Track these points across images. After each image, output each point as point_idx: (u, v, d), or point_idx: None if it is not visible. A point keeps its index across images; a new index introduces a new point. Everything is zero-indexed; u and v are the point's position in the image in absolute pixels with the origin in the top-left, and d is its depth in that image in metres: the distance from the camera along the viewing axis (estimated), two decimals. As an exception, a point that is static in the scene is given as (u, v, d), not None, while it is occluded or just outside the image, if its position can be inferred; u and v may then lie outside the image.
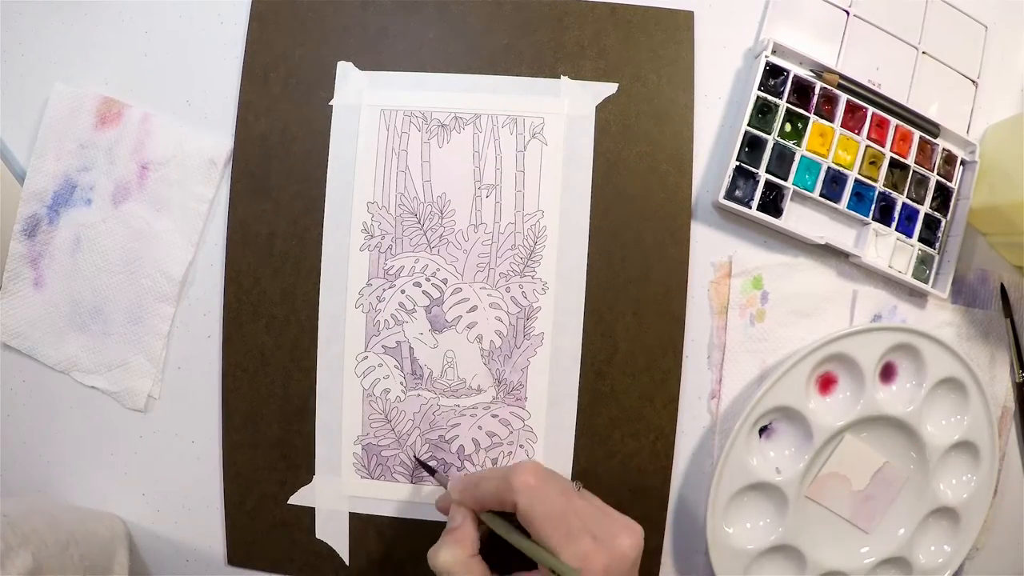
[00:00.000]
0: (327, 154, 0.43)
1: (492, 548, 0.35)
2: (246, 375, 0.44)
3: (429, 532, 0.43)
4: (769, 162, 0.42)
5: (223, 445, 0.44)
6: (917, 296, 0.45)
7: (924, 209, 0.44)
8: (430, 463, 0.43)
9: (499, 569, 0.34)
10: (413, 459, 0.43)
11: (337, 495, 0.43)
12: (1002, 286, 0.46)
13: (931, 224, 0.45)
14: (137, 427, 0.45)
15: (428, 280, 0.43)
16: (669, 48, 0.44)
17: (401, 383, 0.43)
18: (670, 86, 0.44)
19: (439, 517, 0.43)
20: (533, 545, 0.33)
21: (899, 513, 0.43)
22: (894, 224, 0.44)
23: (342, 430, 0.43)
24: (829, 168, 0.43)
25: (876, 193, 0.44)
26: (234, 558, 0.44)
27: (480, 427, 0.43)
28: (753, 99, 0.42)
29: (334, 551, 0.44)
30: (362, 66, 0.44)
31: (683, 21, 0.44)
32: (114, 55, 0.45)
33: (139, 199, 0.44)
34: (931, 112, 0.45)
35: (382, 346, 0.43)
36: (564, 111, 0.43)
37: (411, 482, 0.43)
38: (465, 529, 0.35)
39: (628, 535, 0.33)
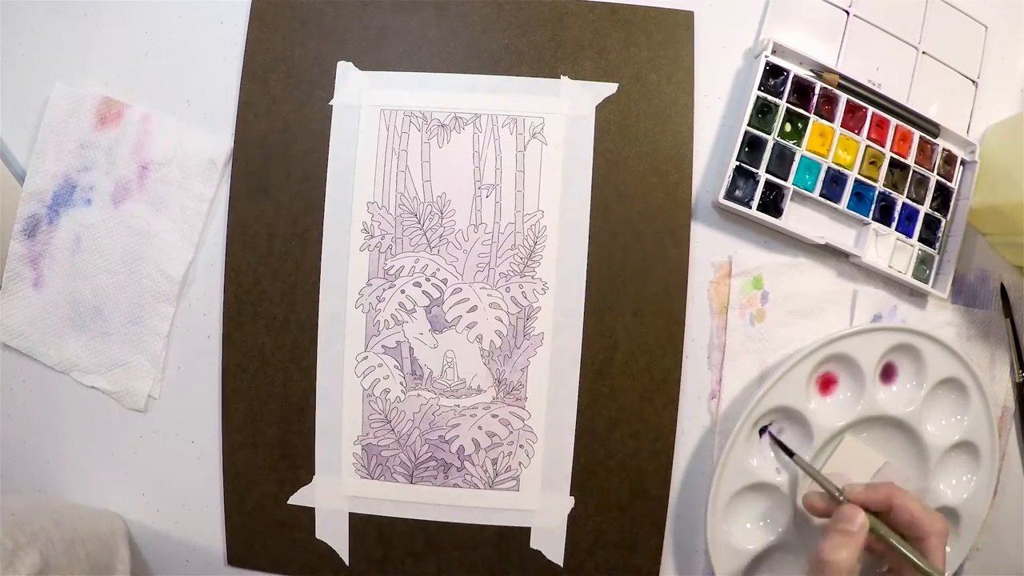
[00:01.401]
0: (327, 154, 0.43)
1: None
2: (246, 375, 0.44)
3: (429, 532, 0.43)
4: (769, 162, 0.42)
5: (223, 445, 0.44)
6: (917, 296, 0.45)
7: (924, 209, 0.44)
8: (432, 460, 0.43)
9: None
10: (769, 437, 0.42)
11: (337, 495, 0.43)
12: (1002, 286, 0.46)
13: (931, 224, 0.45)
14: (137, 427, 0.45)
15: (428, 280, 0.43)
16: (669, 48, 0.44)
17: (401, 383, 0.43)
18: (670, 86, 0.44)
19: (440, 517, 0.43)
20: (916, 552, 0.35)
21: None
22: (894, 224, 0.44)
23: (342, 430, 0.43)
24: (829, 168, 0.43)
25: (876, 193, 0.44)
26: (234, 558, 0.44)
27: (480, 427, 0.43)
28: (753, 99, 0.42)
29: (334, 551, 0.44)
30: (362, 66, 0.44)
31: (683, 21, 0.44)
32: (114, 55, 0.45)
33: (139, 199, 0.44)
34: (931, 112, 0.45)
35: (382, 346, 0.43)
36: (564, 111, 0.43)
37: (411, 482, 0.43)
38: (862, 534, 0.35)
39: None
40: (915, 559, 0.35)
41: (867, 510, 0.36)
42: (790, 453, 0.40)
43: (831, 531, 0.36)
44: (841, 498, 0.37)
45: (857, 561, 0.35)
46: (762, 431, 0.42)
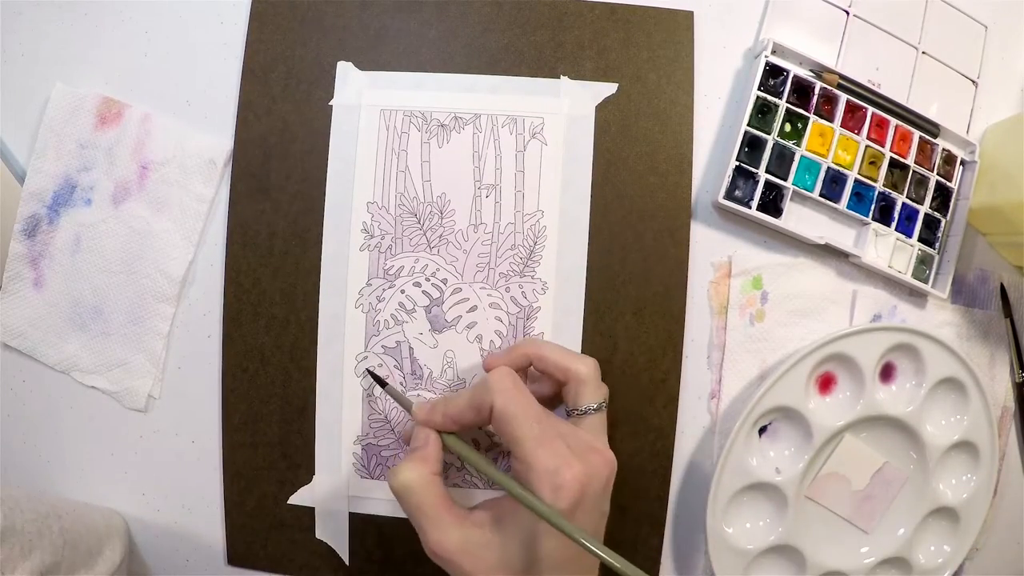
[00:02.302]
0: (327, 154, 0.43)
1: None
2: (246, 375, 0.44)
3: (429, 532, 0.43)
4: (769, 162, 0.42)
5: (223, 445, 0.44)
6: (917, 296, 0.45)
7: (924, 209, 0.44)
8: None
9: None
10: (364, 372, 0.42)
11: (337, 495, 0.44)
12: (1002, 286, 0.46)
13: (931, 224, 0.45)
14: (137, 427, 0.45)
15: (428, 280, 0.43)
16: (669, 48, 0.44)
17: (401, 383, 0.43)
18: (670, 86, 0.44)
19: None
20: (496, 471, 0.32)
21: (899, 513, 0.43)
22: (894, 224, 0.44)
23: (342, 430, 0.43)
24: (829, 168, 0.43)
25: (876, 193, 0.44)
26: (234, 558, 0.44)
27: (480, 427, 0.43)
28: (753, 99, 0.42)
29: (334, 551, 0.44)
30: (362, 66, 0.44)
31: (683, 21, 0.44)
32: (114, 55, 0.45)
33: (139, 199, 0.44)
34: (931, 112, 0.45)
35: (382, 346, 0.43)
36: (564, 111, 0.43)
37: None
38: (430, 448, 0.34)
39: (599, 456, 0.33)
40: (492, 474, 0.33)
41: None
42: (383, 384, 0.38)
43: (404, 457, 0.34)
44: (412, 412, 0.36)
45: (438, 483, 0.33)
46: (762, 431, 0.42)
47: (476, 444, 0.43)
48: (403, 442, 0.39)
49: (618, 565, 0.29)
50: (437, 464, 0.34)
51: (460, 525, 0.33)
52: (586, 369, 0.36)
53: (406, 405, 0.37)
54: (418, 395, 0.43)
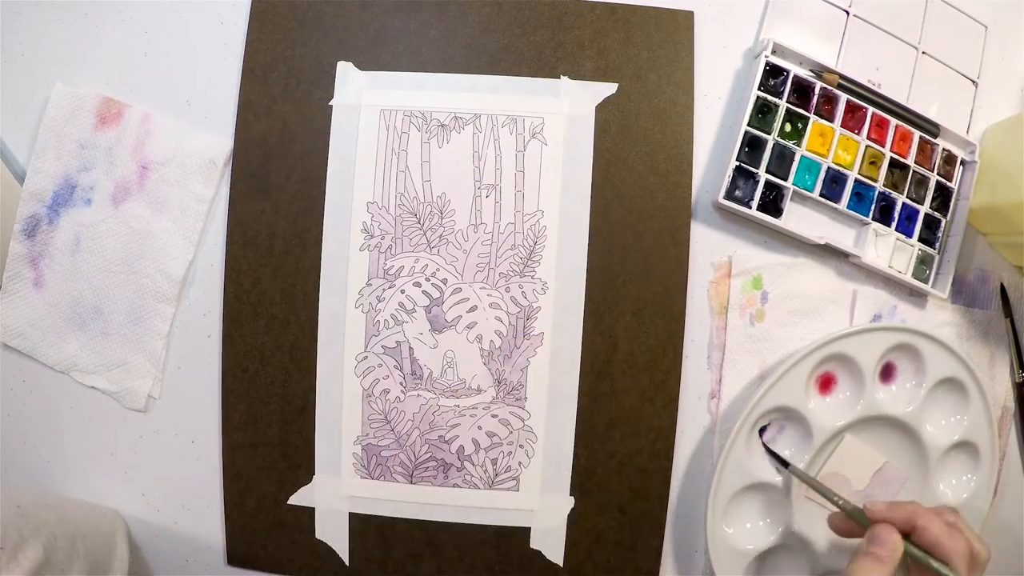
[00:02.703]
0: (327, 154, 0.43)
1: None
2: (246, 375, 0.44)
3: (429, 532, 0.43)
4: (769, 162, 0.42)
5: (223, 445, 0.44)
6: (917, 296, 0.45)
7: (924, 209, 0.44)
8: (432, 460, 0.43)
9: None
10: (764, 449, 0.41)
11: (337, 495, 0.43)
12: (1002, 286, 0.46)
13: (931, 224, 0.45)
14: (137, 427, 0.45)
15: (428, 280, 0.43)
16: (669, 48, 0.44)
17: (401, 383, 0.43)
18: (670, 86, 0.44)
19: (440, 517, 0.43)
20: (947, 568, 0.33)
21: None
22: (894, 224, 0.44)
23: (342, 430, 0.43)
24: (829, 168, 0.43)
25: (876, 193, 0.44)
26: (234, 558, 0.44)
27: (480, 427, 0.43)
28: (753, 99, 0.42)
29: (334, 551, 0.44)
30: (362, 66, 0.44)
31: (683, 21, 0.44)
32: (114, 55, 0.45)
33: (139, 199, 0.44)
34: (931, 112, 0.45)
35: (382, 346, 0.43)
36: (564, 111, 0.43)
37: (411, 482, 0.43)
38: (894, 558, 0.34)
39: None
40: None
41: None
42: (785, 463, 0.39)
43: (862, 555, 0.34)
44: (842, 504, 0.36)
45: None
46: (762, 431, 0.42)
47: None
48: (832, 528, 0.38)
49: None
50: (894, 567, 0.34)
51: None
52: (967, 550, 0.34)
53: (857, 516, 0.36)
54: (418, 395, 0.43)
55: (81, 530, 0.39)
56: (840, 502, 0.37)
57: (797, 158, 0.43)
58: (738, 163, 0.42)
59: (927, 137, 0.45)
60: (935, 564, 0.33)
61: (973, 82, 0.46)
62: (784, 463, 0.39)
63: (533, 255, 0.43)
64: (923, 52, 0.45)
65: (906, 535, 0.34)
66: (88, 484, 0.45)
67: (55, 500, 0.39)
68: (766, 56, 0.42)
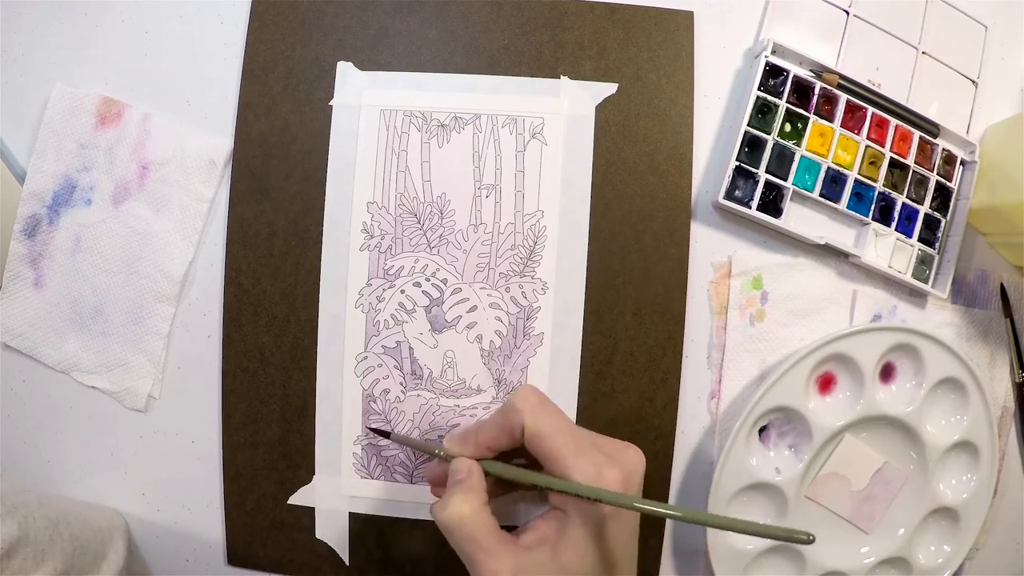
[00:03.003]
0: (327, 154, 0.43)
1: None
2: (246, 375, 0.44)
3: (429, 532, 0.43)
4: (769, 162, 0.42)
5: (223, 445, 0.44)
6: (917, 296, 0.45)
7: (924, 209, 0.44)
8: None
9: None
10: (366, 430, 0.42)
11: (337, 495, 0.44)
12: (1002, 286, 0.46)
13: (931, 224, 0.45)
14: (137, 427, 0.45)
15: (428, 280, 0.43)
16: (669, 48, 0.44)
17: (401, 383, 0.43)
18: (670, 86, 0.44)
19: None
20: (546, 476, 0.32)
21: (899, 513, 0.43)
22: (894, 224, 0.44)
23: (342, 430, 0.43)
24: (829, 168, 0.43)
25: (876, 193, 0.44)
26: (234, 558, 0.44)
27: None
28: (753, 99, 0.42)
29: (334, 551, 0.44)
30: (362, 66, 0.44)
31: (683, 21, 0.44)
32: (114, 55, 0.45)
33: (139, 199, 0.44)
34: (931, 112, 0.45)
35: (382, 346, 0.43)
36: (564, 111, 0.43)
37: (411, 482, 0.43)
38: (474, 478, 0.33)
39: (633, 451, 0.33)
40: (547, 482, 0.31)
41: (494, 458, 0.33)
42: (387, 435, 0.37)
43: (449, 490, 0.33)
44: (440, 453, 0.35)
45: (487, 514, 0.32)
46: (762, 431, 0.42)
47: None
48: (430, 483, 0.37)
49: (680, 514, 0.30)
50: (484, 493, 0.32)
51: (512, 552, 0.31)
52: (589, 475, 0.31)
53: (429, 449, 0.36)
54: (418, 395, 0.43)
55: (66, 516, 0.38)
56: (440, 453, 0.35)
57: (797, 158, 0.43)
58: (738, 163, 0.42)
59: (927, 137, 0.45)
60: (520, 474, 0.33)
61: (973, 82, 0.46)
62: (386, 434, 0.38)
63: (533, 255, 0.43)
64: (923, 52, 0.45)
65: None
66: (88, 484, 0.45)
67: (64, 504, 0.39)
68: (766, 56, 0.42)
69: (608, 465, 0.31)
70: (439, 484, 0.36)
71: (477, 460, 0.34)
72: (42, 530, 0.36)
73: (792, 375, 0.41)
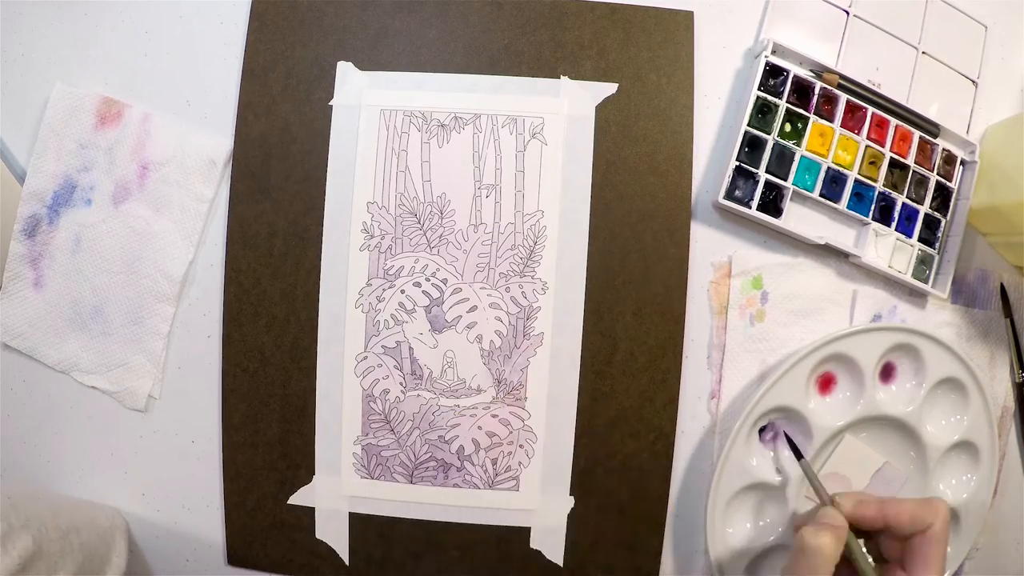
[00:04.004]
0: (327, 154, 0.43)
1: None
2: (246, 375, 0.44)
3: (429, 532, 0.43)
4: (769, 162, 0.42)
5: (223, 445, 0.44)
6: (917, 296, 0.45)
7: (924, 209, 0.44)
8: (432, 460, 0.43)
9: None
10: (783, 435, 0.41)
11: (337, 495, 0.44)
12: (1002, 286, 0.46)
13: (931, 224, 0.45)
14: (137, 427, 0.45)
15: (428, 280, 0.43)
16: (669, 48, 0.44)
17: (401, 383, 0.43)
18: (670, 86, 0.44)
19: (438, 517, 0.43)
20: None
21: (899, 513, 0.43)
22: (894, 224, 0.44)
23: (342, 430, 0.43)
24: (829, 168, 0.43)
25: (876, 193, 0.44)
26: (234, 558, 0.44)
27: (480, 427, 0.43)
28: (753, 99, 0.42)
29: (334, 551, 0.44)
30: (362, 66, 0.44)
31: (683, 21, 0.44)
32: (114, 55, 0.45)
33: (139, 199, 0.44)
34: (931, 112, 0.45)
35: (382, 346, 0.43)
36: (564, 111, 0.43)
37: (411, 482, 0.43)
38: (844, 530, 0.35)
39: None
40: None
41: (858, 529, 0.35)
42: (800, 455, 0.39)
43: (818, 522, 0.35)
44: (828, 500, 0.37)
45: (837, 559, 0.33)
46: (762, 430, 0.42)
47: None
48: (796, 526, 0.38)
49: None
50: (841, 548, 0.34)
51: None
52: (946, 510, 0.35)
53: (822, 494, 0.37)
54: (418, 395, 0.43)
55: (75, 523, 0.38)
56: (828, 500, 0.37)
57: (797, 158, 0.43)
58: (738, 163, 0.42)
59: (927, 137, 0.45)
60: (861, 562, 0.34)
61: (973, 82, 0.46)
62: (800, 455, 0.39)
63: (533, 255, 0.43)
64: (923, 52, 0.45)
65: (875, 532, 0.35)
66: (88, 484, 0.45)
67: (48, 495, 0.39)
68: (766, 56, 0.42)
69: None
70: (803, 521, 0.38)
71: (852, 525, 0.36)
72: (54, 541, 0.36)
73: (792, 375, 0.41)
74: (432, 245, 0.43)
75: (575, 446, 0.43)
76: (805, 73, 0.43)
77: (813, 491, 0.38)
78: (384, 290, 0.43)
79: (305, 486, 0.44)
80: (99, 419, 0.45)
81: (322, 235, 0.43)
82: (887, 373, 0.43)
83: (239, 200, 0.44)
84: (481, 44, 0.44)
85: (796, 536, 0.35)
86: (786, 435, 0.41)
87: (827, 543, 0.33)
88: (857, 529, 0.35)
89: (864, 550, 0.35)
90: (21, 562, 0.33)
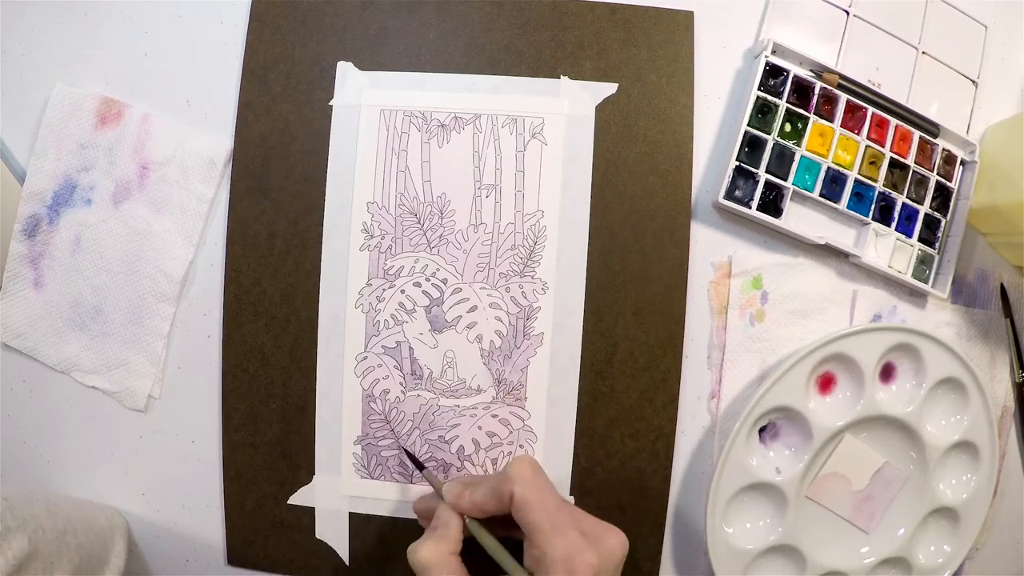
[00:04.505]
0: (327, 154, 0.43)
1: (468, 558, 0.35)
2: (246, 375, 0.44)
3: (429, 532, 0.43)
4: (769, 162, 0.42)
5: (223, 445, 0.44)
6: (917, 296, 0.45)
7: (924, 209, 0.44)
8: (432, 460, 0.43)
9: None
10: (401, 450, 0.43)
11: (337, 495, 0.44)
12: (1002, 286, 0.46)
13: (931, 224, 0.45)
14: (137, 427, 0.45)
15: (428, 280, 0.43)
16: (669, 48, 0.44)
17: (401, 383, 0.43)
18: (670, 86, 0.44)
19: (439, 517, 0.43)
20: (506, 556, 0.34)
21: (899, 513, 0.43)
22: (894, 224, 0.44)
23: (342, 430, 0.43)
24: (829, 168, 0.43)
25: (876, 193, 0.44)
26: (234, 558, 0.44)
27: (480, 427, 0.43)
28: (753, 99, 0.42)
29: (334, 551, 0.44)
30: (362, 66, 0.44)
31: (683, 21, 0.44)
32: (114, 55, 0.45)
33: (139, 199, 0.44)
34: (931, 112, 0.45)
35: (382, 346, 0.43)
36: (564, 111, 0.43)
37: (411, 482, 0.43)
38: (451, 528, 0.35)
39: (615, 536, 0.34)
40: (509, 568, 0.33)
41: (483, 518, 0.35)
42: (420, 467, 0.40)
43: (424, 533, 0.36)
44: (443, 495, 0.37)
45: (454, 563, 0.34)
46: (762, 430, 0.42)
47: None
48: (418, 516, 0.40)
49: None
50: (456, 544, 0.35)
51: None
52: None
53: (438, 488, 0.38)
54: (418, 395, 0.43)
55: (72, 524, 0.38)
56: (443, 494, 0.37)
57: (797, 158, 0.43)
58: (738, 163, 0.42)
59: (927, 137, 0.45)
60: (497, 554, 0.34)
61: (973, 82, 0.46)
62: (421, 466, 0.40)
63: (533, 255, 0.43)
64: (923, 52, 0.45)
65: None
66: (88, 484, 0.45)
67: (45, 494, 0.39)
68: (766, 56, 0.42)
69: (584, 549, 0.32)
70: (426, 518, 0.38)
71: (467, 515, 0.36)
72: (50, 542, 0.36)
73: (792, 375, 0.41)
74: (432, 245, 0.43)
75: (575, 446, 0.43)
76: (805, 73, 0.43)
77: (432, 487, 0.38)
78: (384, 290, 0.43)
79: (305, 486, 0.44)
80: (99, 419, 0.45)
81: (322, 235, 0.43)
82: (887, 373, 0.43)
83: (239, 200, 0.44)
84: (481, 44, 0.44)
85: (410, 551, 0.35)
86: (405, 450, 0.42)
87: (425, 556, 0.33)
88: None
89: (495, 541, 0.35)
90: (16, 563, 0.33)
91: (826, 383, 0.42)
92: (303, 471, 0.44)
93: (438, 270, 0.43)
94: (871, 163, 0.44)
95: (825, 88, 0.43)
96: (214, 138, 0.44)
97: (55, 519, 0.37)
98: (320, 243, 0.43)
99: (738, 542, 0.41)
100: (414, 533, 0.43)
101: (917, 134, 0.44)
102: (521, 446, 0.43)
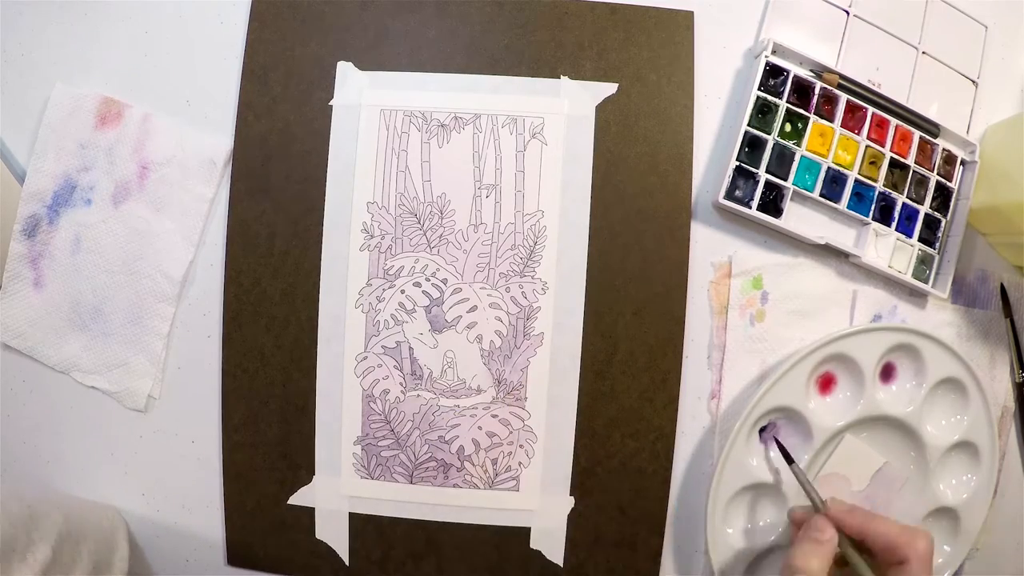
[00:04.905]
0: (327, 154, 0.43)
1: None
2: (246, 375, 0.44)
3: (429, 532, 0.43)
4: (769, 162, 0.42)
5: (223, 445, 0.44)
6: (917, 296, 0.45)
7: (924, 209, 0.44)
8: (432, 460, 0.43)
9: None
10: (772, 440, 0.42)
11: (337, 495, 0.44)
12: (1002, 286, 0.46)
13: (931, 224, 0.45)
14: (137, 427, 0.45)
15: (428, 280, 0.43)
16: (669, 48, 0.44)
17: (401, 383, 0.43)
18: (670, 86, 0.44)
19: (438, 517, 0.43)
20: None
21: (899, 513, 0.43)
22: (894, 224, 0.44)
23: (342, 430, 0.43)
24: (829, 168, 0.43)
25: (876, 193, 0.44)
26: (234, 558, 0.44)
27: (480, 427, 0.43)
28: (753, 99, 0.42)
29: (334, 551, 0.44)
30: (362, 66, 0.44)
31: (683, 21, 0.44)
32: (114, 55, 0.45)
33: (139, 199, 0.44)
34: (931, 112, 0.45)
35: (382, 346, 0.43)
36: (564, 111, 0.43)
37: (411, 482, 0.43)
38: (832, 544, 0.35)
39: None
40: None
41: (843, 533, 0.36)
42: (790, 460, 0.40)
43: (802, 539, 0.36)
44: (821, 506, 0.37)
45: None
46: (762, 431, 0.42)
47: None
48: (793, 521, 0.39)
49: None
50: (832, 558, 0.35)
51: None
52: (927, 548, 0.35)
53: (813, 498, 0.38)
54: (418, 395, 0.43)
55: (85, 531, 0.39)
56: (821, 507, 0.38)
57: (797, 158, 0.43)
58: (738, 163, 0.42)
59: (927, 137, 0.45)
60: (858, 565, 0.35)
61: (973, 82, 0.46)
62: (790, 459, 0.40)
63: (533, 255, 0.43)
64: (923, 52, 0.45)
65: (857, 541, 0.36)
66: (88, 484, 0.45)
67: (60, 498, 0.40)
68: (766, 56, 0.42)
69: None
70: (798, 523, 0.38)
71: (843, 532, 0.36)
72: (68, 552, 0.37)
73: (792, 375, 0.41)
74: (432, 245, 0.43)
75: (575, 446, 0.43)
76: (805, 73, 0.43)
77: (807, 495, 0.38)
78: (384, 290, 0.43)
79: (305, 486, 0.44)
80: (99, 419, 0.45)
81: (322, 235, 0.43)
82: (887, 373, 0.43)
83: (239, 200, 0.44)
84: (481, 44, 0.44)
85: (786, 555, 0.35)
86: (776, 441, 0.41)
87: (814, 566, 0.34)
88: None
89: (860, 558, 0.35)
90: (41, 572, 0.34)
91: (826, 383, 0.42)
92: (303, 471, 0.44)
93: (438, 270, 0.43)
94: (871, 163, 0.44)
95: (825, 88, 0.43)
96: (214, 138, 0.44)
97: (71, 527, 0.38)
98: (320, 243, 0.43)
99: (738, 542, 0.42)
100: (414, 533, 0.43)
101: (917, 134, 0.44)
102: (521, 446, 0.43)
